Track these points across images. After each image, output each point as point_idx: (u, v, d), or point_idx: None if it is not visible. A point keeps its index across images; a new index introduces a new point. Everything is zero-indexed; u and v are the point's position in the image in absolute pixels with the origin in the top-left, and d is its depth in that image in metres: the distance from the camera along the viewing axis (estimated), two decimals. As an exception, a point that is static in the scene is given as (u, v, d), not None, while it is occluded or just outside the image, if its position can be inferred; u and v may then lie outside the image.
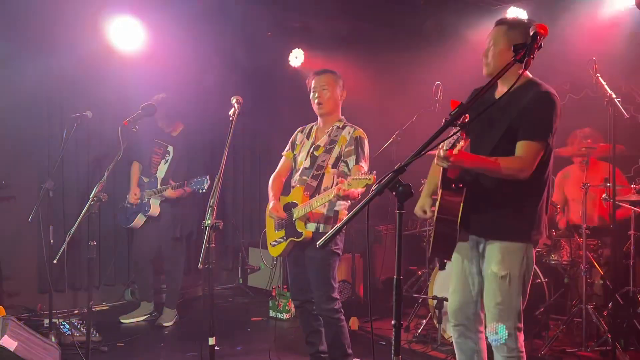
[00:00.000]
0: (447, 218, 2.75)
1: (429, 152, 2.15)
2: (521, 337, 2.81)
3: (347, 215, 3.71)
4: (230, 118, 3.24)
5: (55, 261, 3.49)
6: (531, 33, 2.15)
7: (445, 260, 2.88)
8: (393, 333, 2.03)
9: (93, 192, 3.55)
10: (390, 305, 2.02)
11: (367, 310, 5.18)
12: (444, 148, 2.48)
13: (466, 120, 2.15)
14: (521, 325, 2.81)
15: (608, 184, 4.18)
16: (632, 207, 4.43)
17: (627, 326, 4.17)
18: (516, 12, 5.76)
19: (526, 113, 2.68)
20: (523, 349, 2.82)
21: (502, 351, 2.80)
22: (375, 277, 6.31)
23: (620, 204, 4.44)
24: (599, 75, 3.98)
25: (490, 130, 2.82)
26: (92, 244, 3.53)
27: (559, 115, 2.72)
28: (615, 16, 5.16)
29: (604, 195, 4.50)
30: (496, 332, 2.79)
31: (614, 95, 3.84)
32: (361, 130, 3.71)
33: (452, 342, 4.38)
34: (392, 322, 2.03)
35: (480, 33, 6.09)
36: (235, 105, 3.29)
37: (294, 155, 3.88)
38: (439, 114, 5.16)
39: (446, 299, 4.43)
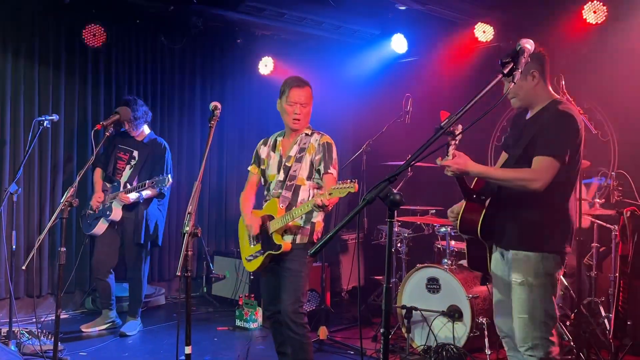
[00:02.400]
0: (468, 229, 2.87)
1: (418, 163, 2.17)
2: (554, 350, 2.83)
3: (323, 225, 3.73)
4: (210, 124, 3.20)
5: (23, 267, 3.37)
6: (517, 48, 2.21)
7: (487, 275, 2.96)
8: (382, 342, 2.04)
9: (64, 197, 3.46)
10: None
11: (335, 320, 5.18)
12: (445, 158, 2.56)
13: (457, 131, 2.21)
14: (553, 339, 2.84)
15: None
16: (595, 220, 4.58)
17: (590, 336, 4.29)
18: (482, 28, 5.91)
19: (542, 130, 2.80)
20: None
21: None
22: (340, 287, 6.34)
23: (584, 215, 4.59)
24: (566, 91, 4.12)
25: (515, 148, 2.95)
26: (61, 249, 3.43)
27: (578, 131, 2.82)
28: (576, 33, 5.33)
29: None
30: (523, 343, 2.82)
31: (581, 112, 3.97)
32: (328, 136, 3.70)
33: (420, 352, 4.50)
34: (381, 330, 2.03)
35: (450, 47, 6.25)
36: (214, 111, 3.25)
37: (262, 169, 3.83)
38: (409, 125, 5.25)
39: (415, 308, 4.49)
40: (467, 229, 2.95)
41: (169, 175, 4.53)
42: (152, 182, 4.57)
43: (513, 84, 2.29)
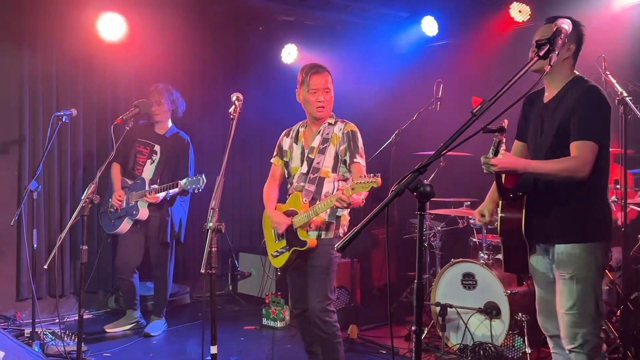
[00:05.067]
0: (510, 230, 2.84)
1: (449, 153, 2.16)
2: (604, 347, 2.81)
3: (349, 220, 3.74)
4: (231, 116, 3.23)
5: (45, 266, 3.46)
6: (554, 29, 2.18)
7: (522, 275, 2.94)
8: (414, 340, 2.04)
9: (85, 194, 3.53)
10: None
11: (366, 318, 5.19)
12: (488, 155, 2.53)
13: (504, 124, 2.18)
14: (602, 335, 2.82)
15: (618, 186, 4.24)
16: (641, 210, 4.50)
17: (638, 333, 4.22)
18: (518, 8, 5.83)
19: (575, 111, 2.74)
20: None
21: None
22: (372, 283, 6.35)
23: (630, 206, 4.50)
24: (608, 73, 4.04)
25: (543, 135, 2.89)
26: (83, 248, 3.51)
27: (610, 109, 2.77)
28: (620, 12, 5.22)
29: (612, 198, 4.56)
30: (571, 340, 2.80)
31: (625, 94, 3.89)
32: (352, 124, 3.70)
33: (455, 351, 4.48)
34: (413, 328, 2.04)
35: (484, 29, 6.18)
36: (236, 102, 3.28)
37: (285, 161, 3.86)
38: (441, 112, 5.21)
39: (450, 306, 4.48)
40: (509, 230, 2.91)
41: (203, 176, 4.57)
42: (186, 183, 4.61)
43: (549, 66, 2.26)
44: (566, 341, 2.82)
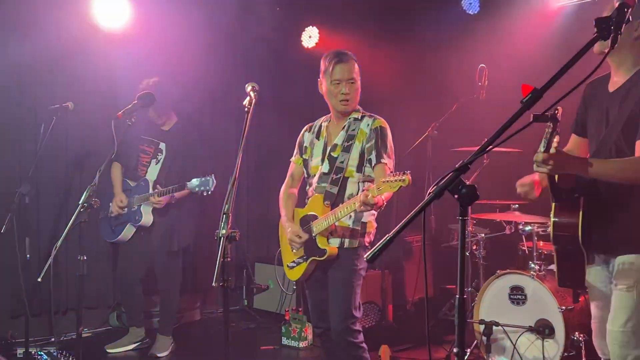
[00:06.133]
0: (565, 236, 2.81)
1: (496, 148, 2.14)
2: None
3: (376, 227, 3.73)
4: (246, 109, 3.24)
5: (39, 279, 3.51)
6: (616, 5, 2.15)
7: (579, 290, 2.90)
8: (456, 363, 2.03)
9: (83, 198, 3.57)
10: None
11: (400, 337, 5.18)
12: (540, 150, 2.49)
13: (558, 113, 2.15)
14: None
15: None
16: None
17: None
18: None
19: None
20: None
21: None
22: (406, 298, 6.32)
23: None
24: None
25: (607, 129, 2.84)
26: (81, 258, 3.55)
27: None
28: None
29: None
30: None
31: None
32: (382, 119, 3.70)
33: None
34: (454, 349, 2.02)
35: (532, 5, 6.11)
36: (251, 93, 3.29)
37: (304, 159, 3.87)
38: (485, 102, 5.18)
39: (496, 323, 4.44)
40: (564, 236, 2.87)
41: (212, 176, 4.60)
42: (194, 184, 4.64)
43: (610, 48, 2.22)
44: None
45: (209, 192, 4.55)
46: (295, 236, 3.65)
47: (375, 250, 2.05)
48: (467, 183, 1.99)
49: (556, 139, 2.49)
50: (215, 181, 4.54)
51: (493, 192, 5.37)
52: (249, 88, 3.31)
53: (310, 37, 6.68)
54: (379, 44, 6.52)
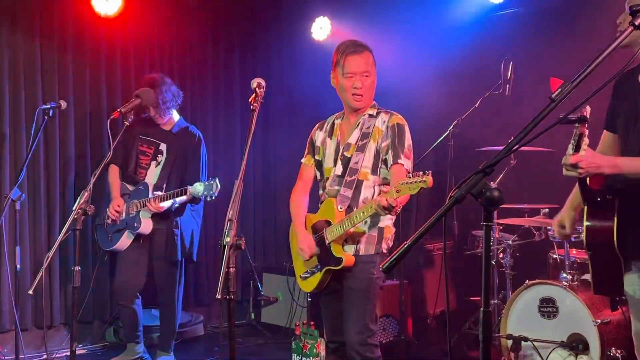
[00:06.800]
0: (599, 242, 2.79)
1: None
2: None
3: (394, 232, 3.72)
4: (251, 107, 3.24)
5: (31, 291, 3.52)
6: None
7: (617, 298, 2.89)
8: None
9: (77, 203, 3.59)
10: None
11: (420, 353, 5.16)
12: (568, 152, 2.49)
13: (586, 112, 2.14)
14: None
15: None
16: None
17: None
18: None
19: None
20: None
21: None
22: (426, 311, 6.31)
23: None
24: None
25: (638, 124, 2.83)
26: (75, 269, 3.56)
27: None
28: None
29: None
30: None
31: None
32: (399, 116, 3.69)
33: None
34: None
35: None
36: (257, 90, 3.28)
37: (317, 160, 3.87)
38: (511, 97, 5.16)
39: (525, 338, 4.42)
40: (598, 242, 2.85)
41: (217, 180, 4.60)
42: (196, 189, 4.65)
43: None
44: None
45: (213, 197, 4.56)
46: (306, 246, 3.65)
47: (392, 260, 2.04)
48: (492, 186, 1.99)
49: (586, 140, 2.48)
50: (219, 185, 4.55)
51: (521, 196, 5.35)
52: (254, 84, 3.30)
53: (321, 28, 6.68)
54: (396, 34, 6.51)
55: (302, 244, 3.69)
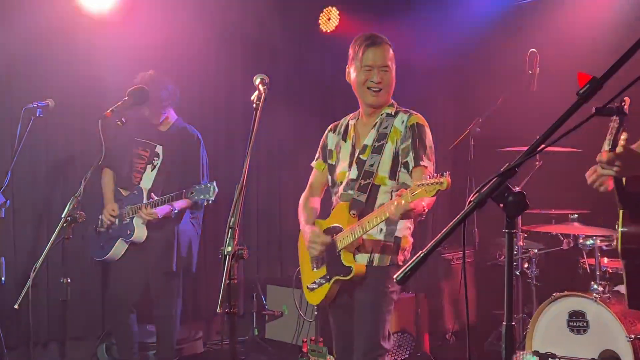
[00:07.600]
0: (635, 250, 2.80)
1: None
2: None
3: (412, 242, 3.72)
4: (254, 105, 3.25)
5: (16, 306, 3.55)
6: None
7: None
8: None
9: (66, 210, 3.60)
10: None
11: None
12: (605, 148, 2.48)
13: (625, 105, 2.14)
14: None
15: None
16: None
17: None
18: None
19: None
20: None
21: None
22: (444, 326, 6.31)
23: None
24: None
25: None
26: (65, 281, 3.58)
27: None
28: None
29: None
30: None
31: None
32: (419, 115, 3.69)
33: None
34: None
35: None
36: (261, 87, 3.29)
37: (329, 164, 3.87)
38: (536, 94, 5.16)
39: (553, 355, 4.42)
40: (634, 250, 2.85)
41: (214, 183, 4.61)
42: (191, 192, 4.65)
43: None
44: None
45: (210, 201, 4.55)
46: (315, 237, 3.63)
47: (407, 269, 2.04)
48: (515, 190, 1.99)
49: (623, 135, 2.47)
50: (217, 188, 4.55)
51: (547, 200, 5.34)
52: (257, 80, 3.31)
53: (329, 19, 6.70)
54: (411, 27, 6.51)
55: (310, 235, 3.67)
